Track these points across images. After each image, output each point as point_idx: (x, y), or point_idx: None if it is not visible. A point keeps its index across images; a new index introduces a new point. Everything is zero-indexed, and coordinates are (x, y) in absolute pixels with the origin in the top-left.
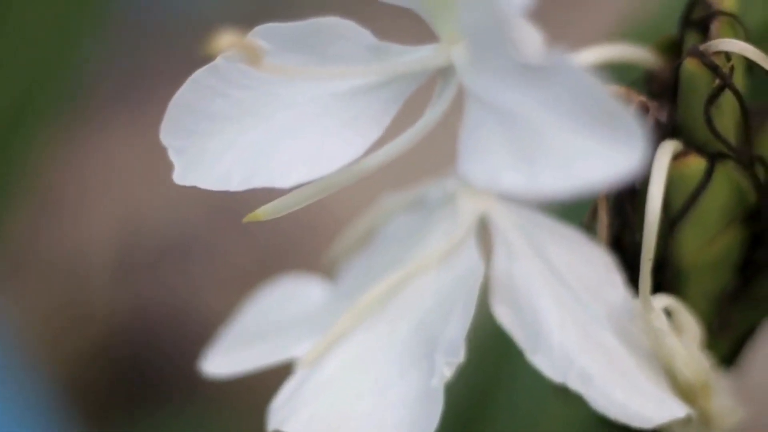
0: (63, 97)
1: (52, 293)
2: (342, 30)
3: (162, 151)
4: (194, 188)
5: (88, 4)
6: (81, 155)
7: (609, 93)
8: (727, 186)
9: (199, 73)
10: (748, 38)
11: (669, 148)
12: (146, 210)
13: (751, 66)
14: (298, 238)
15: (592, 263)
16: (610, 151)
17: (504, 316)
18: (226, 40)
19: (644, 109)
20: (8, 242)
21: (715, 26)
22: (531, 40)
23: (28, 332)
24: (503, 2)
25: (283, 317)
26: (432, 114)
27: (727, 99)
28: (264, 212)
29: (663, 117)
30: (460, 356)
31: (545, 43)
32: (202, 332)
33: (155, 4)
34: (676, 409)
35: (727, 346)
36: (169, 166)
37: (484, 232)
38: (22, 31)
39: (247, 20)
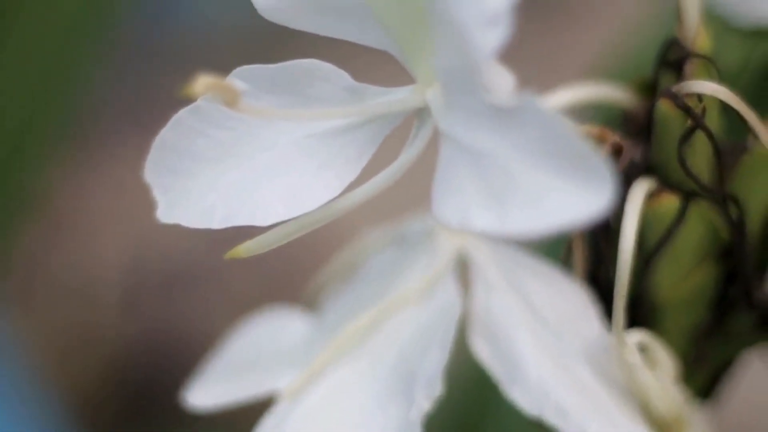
0: (72, 120)
1: (62, 315)
2: (320, 72)
3: None
4: None
5: (96, 25)
6: (90, 179)
7: (578, 134)
8: (700, 224)
9: (182, 114)
10: (723, 78)
11: (643, 186)
12: (154, 234)
13: (725, 106)
14: (303, 262)
15: (568, 298)
16: (579, 191)
17: (482, 349)
18: (202, 83)
19: (619, 149)
20: (19, 265)
21: (689, 67)
22: (502, 82)
23: (38, 354)
24: (475, 46)
25: (266, 350)
26: (408, 154)
27: (700, 139)
28: (245, 249)
29: (637, 156)
30: (437, 389)
31: (516, 84)
32: (209, 355)
33: (165, 27)
34: None
35: (702, 380)
36: None
37: (462, 268)
38: (29, 53)
39: (256, 41)
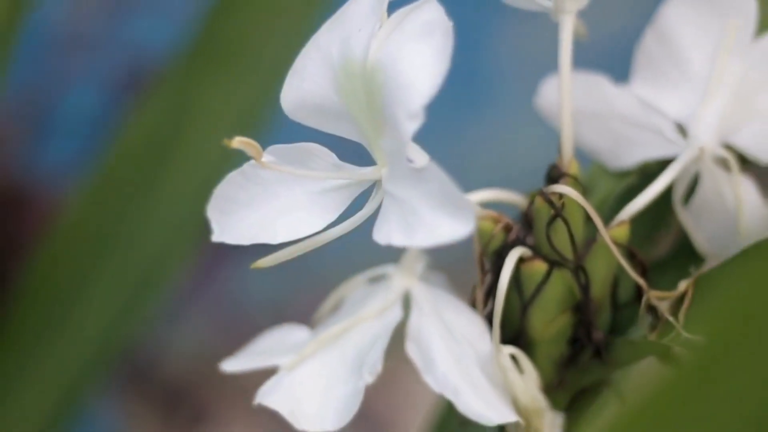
0: None
1: None
2: (318, 152)
3: None
4: None
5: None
6: None
7: (457, 189)
8: (561, 284)
9: (232, 174)
10: (596, 200)
11: (517, 252)
12: None
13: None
14: None
15: (472, 324)
16: (454, 224)
17: (411, 351)
18: (238, 140)
19: (509, 228)
20: None
21: (562, 181)
22: (418, 155)
23: None
24: (402, 132)
25: (278, 344)
26: (368, 207)
27: (560, 225)
28: (263, 262)
29: (522, 235)
30: (378, 370)
31: (428, 158)
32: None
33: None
34: (510, 416)
35: (565, 400)
36: None
37: (407, 300)
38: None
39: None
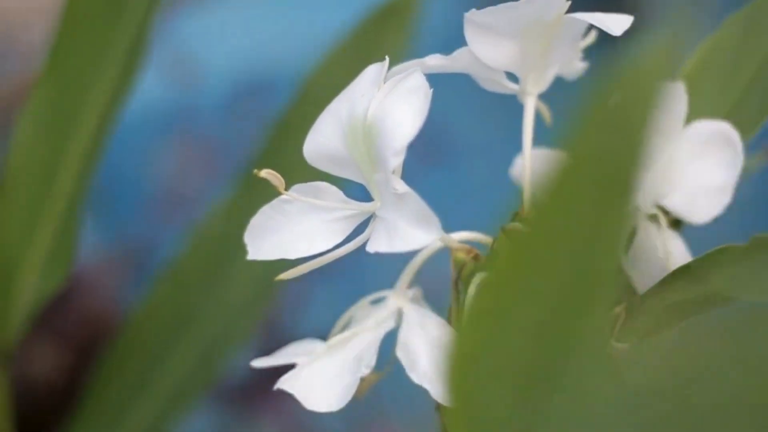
0: None
1: None
2: (329, 189)
3: None
4: None
5: None
6: None
7: (428, 209)
8: None
9: (264, 208)
10: None
11: (479, 278)
12: None
13: None
14: None
15: (448, 335)
16: (424, 235)
17: (400, 354)
18: (265, 172)
19: (477, 257)
20: None
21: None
22: (401, 186)
23: None
24: (387, 165)
25: (299, 350)
26: (367, 231)
27: None
28: (286, 275)
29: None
30: (371, 366)
31: (408, 188)
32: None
33: None
34: None
35: None
36: None
37: (399, 315)
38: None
39: None
